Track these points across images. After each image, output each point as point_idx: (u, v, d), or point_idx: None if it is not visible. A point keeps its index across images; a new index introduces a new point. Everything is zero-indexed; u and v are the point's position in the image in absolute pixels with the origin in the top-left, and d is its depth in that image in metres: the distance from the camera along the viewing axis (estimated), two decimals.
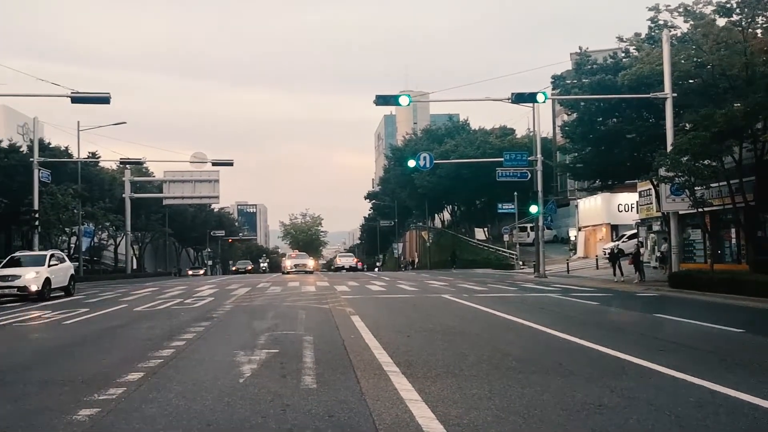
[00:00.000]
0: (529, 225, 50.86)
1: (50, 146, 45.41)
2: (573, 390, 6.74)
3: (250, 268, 77.61)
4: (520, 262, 47.78)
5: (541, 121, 39.48)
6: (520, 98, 27.09)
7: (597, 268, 37.76)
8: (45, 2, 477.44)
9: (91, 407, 6.22)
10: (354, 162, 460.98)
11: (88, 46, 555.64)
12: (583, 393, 6.59)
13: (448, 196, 70.24)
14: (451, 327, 12.57)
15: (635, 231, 40.35)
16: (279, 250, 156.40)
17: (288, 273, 49.77)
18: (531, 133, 51.38)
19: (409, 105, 28.06)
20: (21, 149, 42.15)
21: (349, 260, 60.84)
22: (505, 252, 54.33)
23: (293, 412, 5.98)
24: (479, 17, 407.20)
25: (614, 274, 29.19)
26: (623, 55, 31.37)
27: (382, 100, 26.74)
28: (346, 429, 5.43)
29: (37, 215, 36.55)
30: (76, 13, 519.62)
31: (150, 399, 6.57)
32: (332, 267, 67.60)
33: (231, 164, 50.46)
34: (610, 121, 30.76)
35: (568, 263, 39.51)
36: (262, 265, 73.25)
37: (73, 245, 48.54)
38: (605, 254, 37.60)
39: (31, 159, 37.48)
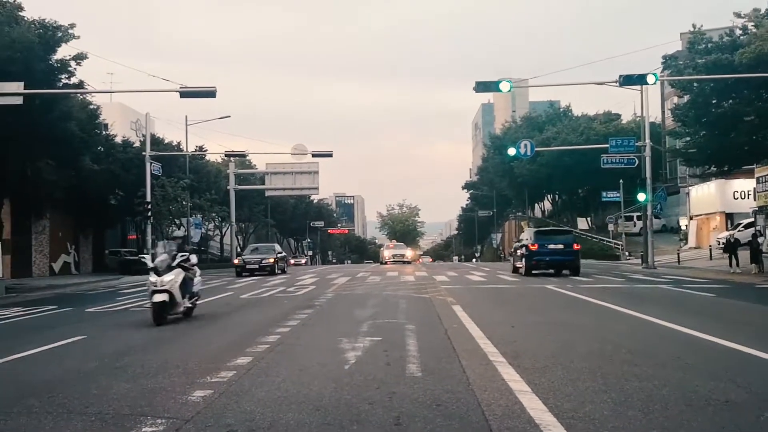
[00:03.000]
0: (635, 214, 48.91)
1: (164, 141, 47.54)
2: (695, 384, 6.32)
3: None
4: (626, 253, 46.05)
5: (649, 105, 37.55)
6: (628, 80, 25.82)
7: (710, 258, 35.81)
8: (155, 2, 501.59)
9: (204, 389, 6.39)
10: (451, 152, 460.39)
11: (193, 42, 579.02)
12: (706, 388, 6.16)
13: (549, 184, 68.47)
14: (557, 317, 12.19)
15: (752, 219, 38.00)
16: (376, 241, 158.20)
17: (386, 263, 50.30)
18: (637, 118, 49.31)
19: (510, 91, 27.32)
20: (135, 144, 44.35)
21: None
22: (609, 242, 52.46)
23: (400, 399, 5.89)
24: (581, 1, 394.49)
25: (730, 265, 27.58)
26: (740, 32, 29.45)
27: (482, 87, 26.21)
28: (455, 418, 5.29)
29: (149, 207, 38.43)
30: (183, 12, 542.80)
31: (259, 383, 6.68)
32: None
33: (330, 155, 51.18)
34: (726, 103, 28.97)
35: (678, 254, 37.63)
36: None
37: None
38: (720, 244, 35.63)
39: (143, 153, 39.40)
